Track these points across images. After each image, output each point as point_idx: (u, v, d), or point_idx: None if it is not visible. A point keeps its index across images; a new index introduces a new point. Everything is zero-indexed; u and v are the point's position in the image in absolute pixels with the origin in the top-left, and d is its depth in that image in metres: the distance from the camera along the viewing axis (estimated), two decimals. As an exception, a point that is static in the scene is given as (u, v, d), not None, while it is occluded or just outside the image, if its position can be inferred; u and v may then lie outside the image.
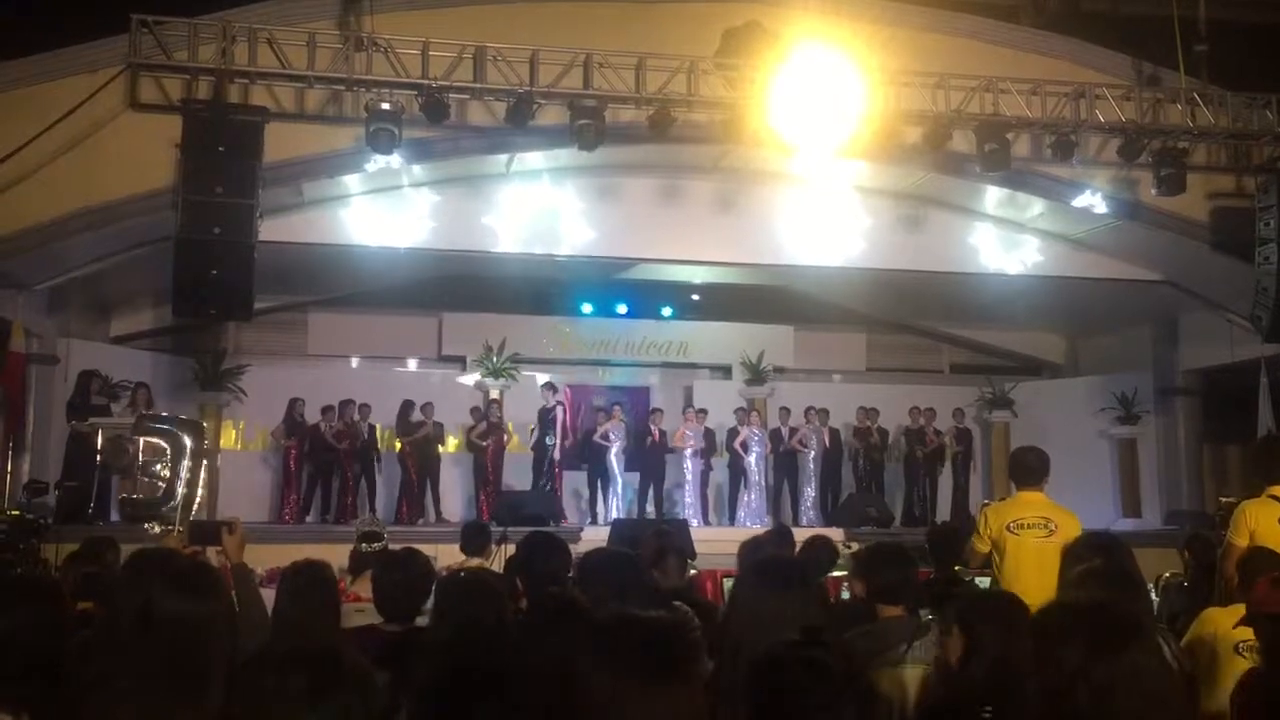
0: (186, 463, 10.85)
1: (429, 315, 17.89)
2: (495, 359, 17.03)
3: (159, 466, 11.04)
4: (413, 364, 18.30)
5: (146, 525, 10.74)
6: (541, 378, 17.75)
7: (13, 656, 3.07)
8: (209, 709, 2.66)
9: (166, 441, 11.09)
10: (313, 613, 3.96)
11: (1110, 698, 2.29)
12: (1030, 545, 6.00)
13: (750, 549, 5.40)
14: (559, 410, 15.92)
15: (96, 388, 13.54)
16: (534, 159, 13.32)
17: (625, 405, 16.87)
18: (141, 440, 12.06)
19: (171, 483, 10.85)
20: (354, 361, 18.21)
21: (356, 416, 15.64)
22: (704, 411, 16.57)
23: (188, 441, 10.99)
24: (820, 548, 6.92)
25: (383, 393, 16.06)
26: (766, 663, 2.40)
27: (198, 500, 11.40)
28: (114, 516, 12.86)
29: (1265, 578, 3.96)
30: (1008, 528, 6.09)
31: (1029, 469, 6.32)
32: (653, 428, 16.29)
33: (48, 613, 3.25)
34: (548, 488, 15.48)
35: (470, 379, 17.45)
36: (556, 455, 15.83)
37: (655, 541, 6.34)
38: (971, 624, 3.37)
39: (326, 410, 15.48)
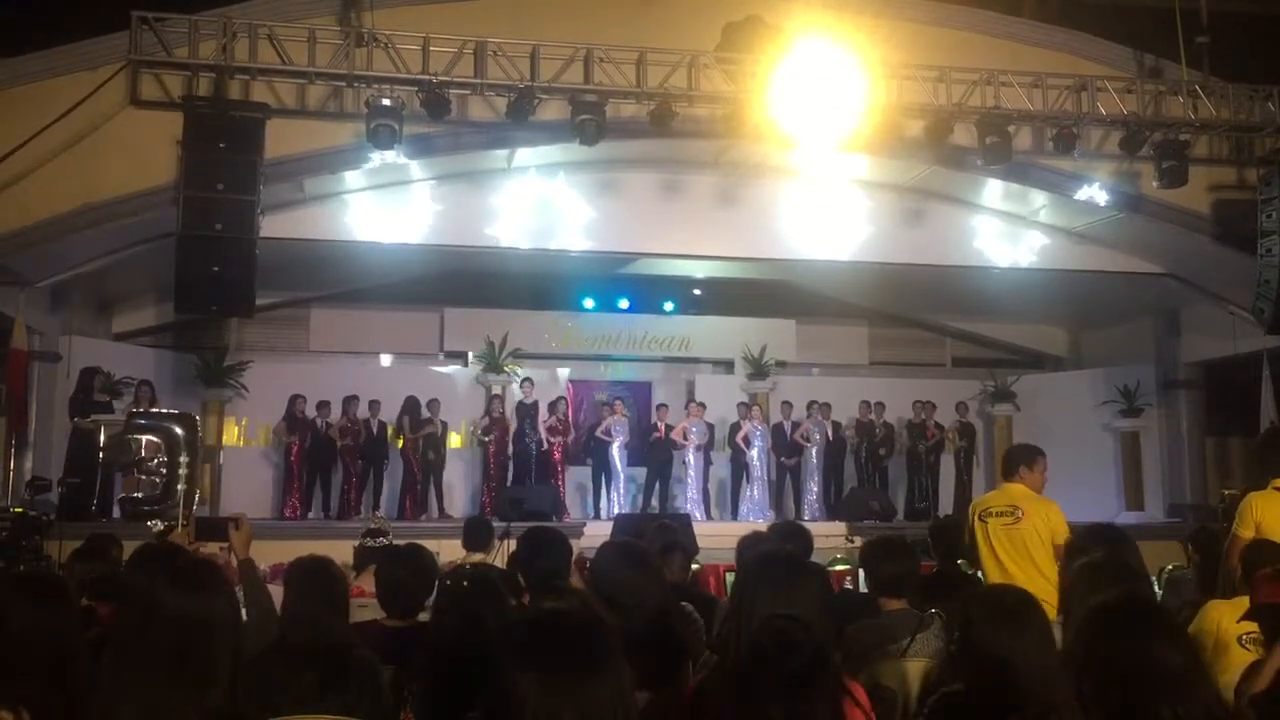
0: (183, 457, 10.84)
1: (431, 311, 17.88)
2: (497, 354, 17.04)
3: (156, 463, 11.03)
4: (415, 360, 18.29)
5: (149, 523, 10.74)
6: (544, 373, 17.81)
7: (14, 653, 3.07)
8: (213, 705, 2.67)
9: (160, 438, 11.08)
10: (321, 608, 3.97)
11: (1121, 685, 2.28)
12: (995, 532, 6.13)
13: (749, 544, 5.40)
14: (539, 405, 15.89)
15: (99, 385, 13.55)
16: (535, 154, 13.33)
17: (628, 400, 16.88)
18: (139, 438, 12.07)
19: (170, 479, 10.84)
20: (355, 357, 18.19)
21: (368, 413, 15.69)
22: (702, 405, 16.56)
23: (181, 434, 10.98)
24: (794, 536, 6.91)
25: (384, 389, 16.07)
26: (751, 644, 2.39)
27: (198, 493, 11.41)
28: (117, 513, 12.88)
29: (1267, 570, 3.97)
30: (978, 516, 6.25)
31: (1008, 460, 6.55)
32: (659, 423, 16.32)
33: (50, 610, 3.25)
34: (545, 483, 15.47)
35: (472, 374, 17.47)
36: (553, 451, 15.83)
37: (659, 537, 6.35)
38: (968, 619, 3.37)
39: (321, 406, 15.50)
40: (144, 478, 11.61)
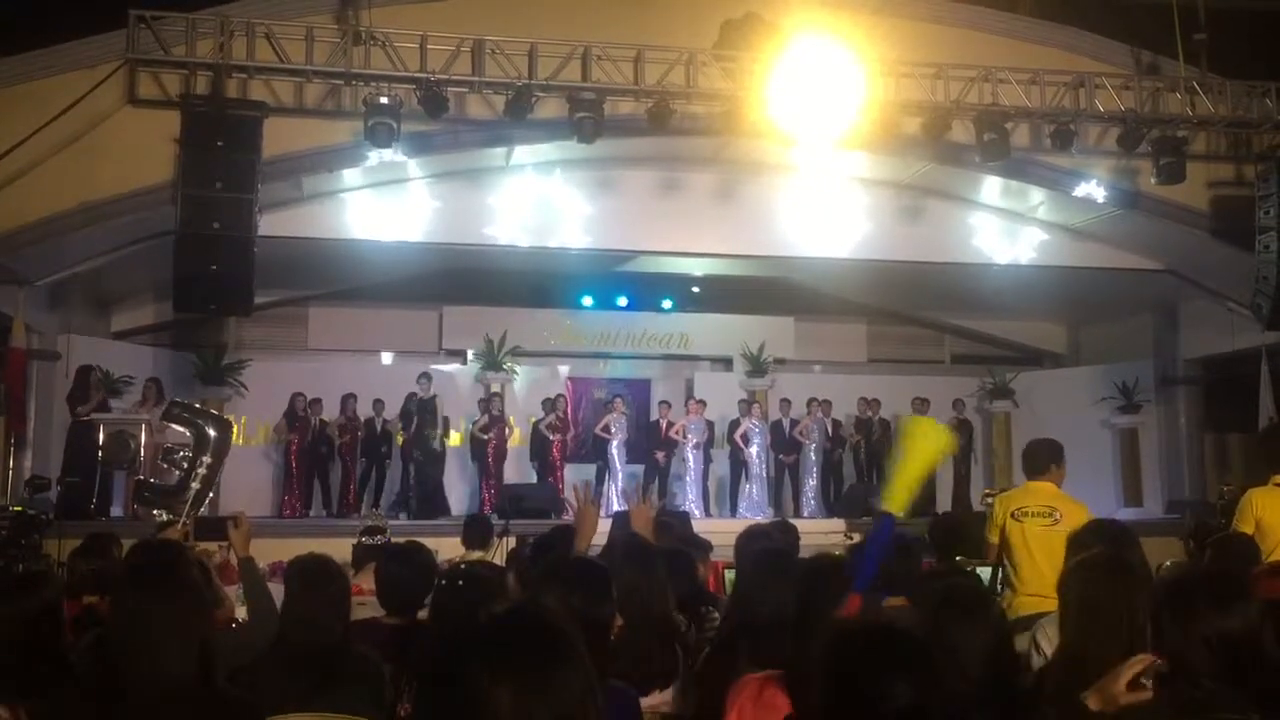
0: (206, 458, 10.89)
1: (429, 309, 17.89)
2: (496, 352, 17.04)
3: (180, 456, 11.08)
4: (413, 357, 18.29)
5: (156, 512, 10.77)
6: (543, 370, 17.80)
7: (10, 651, 3.08)
8: (198, 699, 2.67)
9: (192, 433, 11.12)
10: (322, 607, 3.97)
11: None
12: (1034, 533, 6.01)
13: (747, 539, 5.40)
14: (435, 401, 15.60)
15: (95, 382, 13.53)
16: (533, 152, 13.32)
17: (627, 398, 16.88)
18: (166, 428, 12.08)
19: (188, 475, 10.90)
20: (354, 356, 18.18)
21: (370, 411, 15.69)
22: (702, 402, 16.57)
23: (212, 436, 11.02)
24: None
25: (383, 387, 16.07)
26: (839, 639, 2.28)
27: (208, 498, 11.44)
28: (115, 511, 12.89)
29: (1266, 566, 3.97)
30: (1012, 515, 6.11)
31: (1035, 458, 6.37)
32: (661, 421, 16.33)
33: (45, 608, 3.26)
34: (432, 483, 15.31)
35: (471, 372, 17.47)
36: (552, 448, 15.84)
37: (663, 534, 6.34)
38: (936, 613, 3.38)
39: (314, 403, 15.51)
40: (166, 467, 11.67)
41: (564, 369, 18.32)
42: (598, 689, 1.83)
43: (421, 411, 15.46)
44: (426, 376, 15.82)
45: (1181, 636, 2.26)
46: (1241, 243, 13.26)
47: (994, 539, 6.26)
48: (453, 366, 17.82)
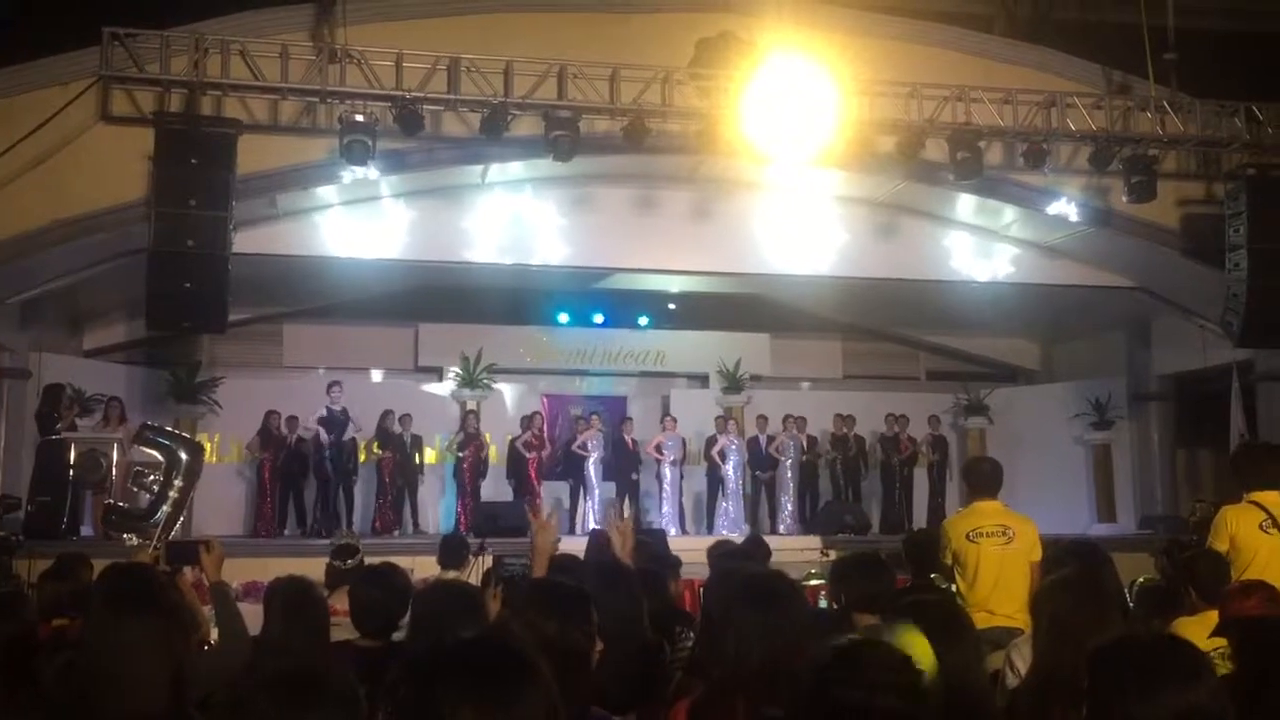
0: (178, 481, 10.77)
1: (405, 326, 17.83)
2: (472, 369, 17.00)
3: (151, 479, 10.95)
4: (389, 375, 18.24)
5: (126, 536, 10.63)
6: (519, 387, 17.77)
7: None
8: None
9: (164, 456, 11.00)
10: (300, 634, 3.92)
11: None
12: (990, 553, 6.04)
13: (718, 550, 5.39)
14: (345, 414, 15.52)
15: (66, 402, 13.40)
16: (509, 170, 13.34)
17: (603, 414, 16.88)
18: (135, 450, 11.93)
19: (159, 498, 10.78)
20: (329, 373, 18.06)
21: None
22: (674, 419, 16.56)
23: (184, 459, 10.90)
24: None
25: (359, 404, 15.98)
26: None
27: (179, 521, 11.29)
28: (86, 531, 12.76)
29: (1236, 584, 4.00)
30: (967, 537, 6.13)
31: (984, 478, 6.45)
32: (626, 437, 16.32)
33: (19, 633, 3.23)
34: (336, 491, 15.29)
35: (447, 390, 17.43)
36: (528, 465, 15.81)
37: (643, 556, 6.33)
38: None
39: (290, 419, 15.39)
40: (136, 490, 11.55)
41: (540, 386, 18.30)
42: (562, 715, 1.84)
43: (330, 424, 15.39)
44: (338, 385, 15.76)
45: (1146, 712, 2.25)
46: (1212, 260, 13.38)
47: (946, 562, 6.30)
48: (429, 384, 17.76)
